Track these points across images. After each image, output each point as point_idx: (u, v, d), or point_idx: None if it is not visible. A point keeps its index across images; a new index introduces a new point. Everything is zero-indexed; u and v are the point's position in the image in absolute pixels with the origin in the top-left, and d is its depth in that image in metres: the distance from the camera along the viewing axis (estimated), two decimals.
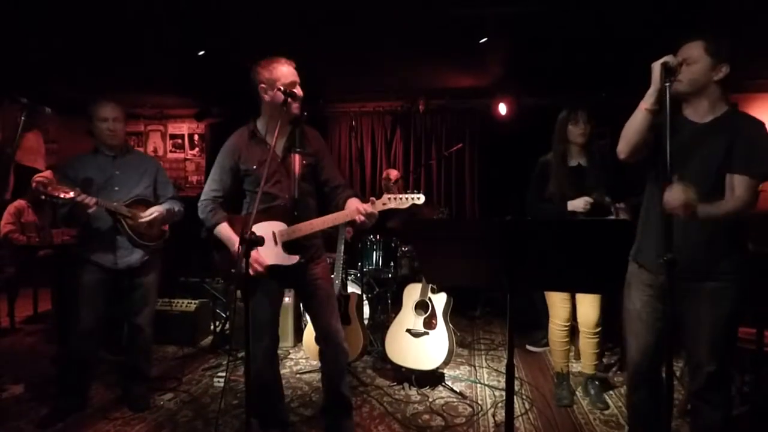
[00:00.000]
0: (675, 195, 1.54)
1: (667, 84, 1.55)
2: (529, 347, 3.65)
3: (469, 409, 2.68)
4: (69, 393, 2.58)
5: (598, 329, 2.70)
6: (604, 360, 3.23)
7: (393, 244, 3.91)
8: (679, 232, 1.55)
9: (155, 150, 6.38)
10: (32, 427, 2.45)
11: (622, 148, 1.75)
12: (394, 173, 4.64)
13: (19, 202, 4.23)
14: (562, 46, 3.81)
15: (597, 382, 2.80)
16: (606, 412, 2.65)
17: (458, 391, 2.92)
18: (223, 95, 5.21)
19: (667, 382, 1.52)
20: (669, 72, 1.55)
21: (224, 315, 3.89)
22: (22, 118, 2.05)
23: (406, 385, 2.99)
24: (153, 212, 2.51)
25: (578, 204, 2.52)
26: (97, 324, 2.53)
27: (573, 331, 2.83)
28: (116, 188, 2.51)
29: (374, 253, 3.82)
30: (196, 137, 6.31)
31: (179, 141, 6.35)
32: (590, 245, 1.32)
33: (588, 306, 2.68)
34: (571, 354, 3.00)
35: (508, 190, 4.32)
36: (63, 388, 2.59)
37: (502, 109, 4.93)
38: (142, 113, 6.26)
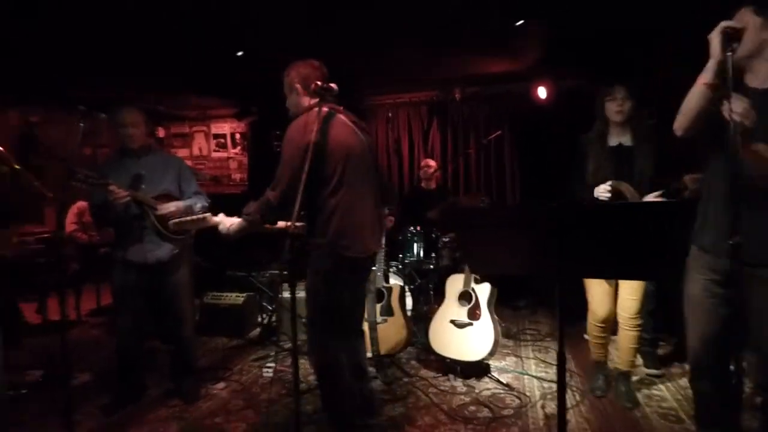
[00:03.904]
0: (738, 103, 1.43)
1: (729, 53, 1.43)
2: (587, 336, 3.51)
3: (517, 401, 2.62)
4: (126, 383, 2.71)
5: (639, 322, 2.50)
6: (660, 351, 3.08)
7: (434, 235, 3.86)
8: (746, 213, 1.43)
9: (200, 150, 6.59)
10: (99, 412, 2.60)
11: (681, 124, 1.64)
12: (432, 163, 4.58)
13: (81, 203, 4.46)
14: (600, 24, 3.62)
15: (630, 380, 2.63)
16: (664, 405, 2.52)
17: (505, 382, 2.86)
18: (262, 94, 5.32)
19: (734, 374, 1.42)
20: (731, 38, 1.43)
21: (270, 308, 3.98)
22: (81, 124, 2.13)
23: (451, 376, 2.96)
24: (170, 206, 2.56)
25: (599, 190, 2.37)
26: (137, 322, 2.63)
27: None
28: (143, 186, 2.57)
29: (415, 244, 3.78)
30: (237, 136, 6.46)
31: (222, 140, 6.52)
32: (647, 228, 1.25)
33: (629, 294, 2.48)
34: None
35: (550, 174, 4.18)
36: (121, 378, 2.72)
37: (541, 92, 4.75)
38: (186, 115, 6.47)
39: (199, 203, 2.69)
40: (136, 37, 3.69)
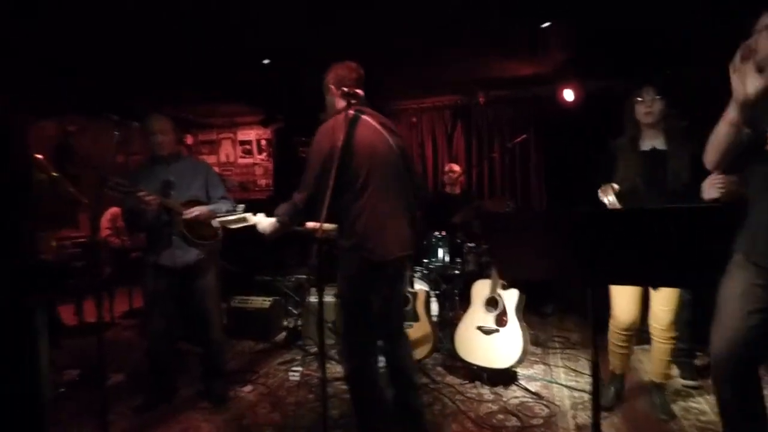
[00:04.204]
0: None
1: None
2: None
3: (546, 410, 2.57)
4: (158, 385, 2.77)
5: (672, 334, 2.39)
6: (697, 362, 2.97)
7: (459, 240, 3.84)
8: None
9: (227, 156, 6.73)
10: (131, 412, 2.67)
11: (712, 160, 1.59)
12: (456, 168, 4.56)
13: (115, 209, 4.61)
14: (628, 23, 3.54)
15: (664, 391, 2.53)
16: (703, 418, 2.43)
17: (533, 391, 2.81)
18: (287, 101, 5.41)
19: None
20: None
21: (295, 312, 4.01)
22: (116, 133, 2.21)
23: (477, 383, 2.92)
24: (194, 210, 2.60)
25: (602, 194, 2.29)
26: (167, 325, 2.68)
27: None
28: (172, 192, 2.63)
29: (440, 249, 3.76)
30: (263, 142, 6.57)
31: (248, 147, 6.65)
32: (684, 234, 1.21)
33: (662, 304, 2.37)
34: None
35: (576, 179, 4.10)
36: (153, 380, 2.78)
37: (567, 95, 4.68)
38: (214, 122, 6.63)
39: (224, 207, 2.73)
40: (166, 48, 3.82)
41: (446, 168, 4.61)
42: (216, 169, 5.43)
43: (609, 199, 2.27)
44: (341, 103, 2.06)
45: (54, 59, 3.90)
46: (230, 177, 6.61)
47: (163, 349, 2.73)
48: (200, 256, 2.67)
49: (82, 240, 5.02)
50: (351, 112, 1.98)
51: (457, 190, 4.49)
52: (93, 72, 4.31)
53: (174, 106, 5.60)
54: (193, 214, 2.60)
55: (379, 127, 2.09)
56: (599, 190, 2.32)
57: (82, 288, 4.23)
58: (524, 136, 4.46)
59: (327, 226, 1.78)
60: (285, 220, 2.06)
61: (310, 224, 2.29)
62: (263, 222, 2.14)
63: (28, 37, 3.46)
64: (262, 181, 6.64)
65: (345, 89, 1.99)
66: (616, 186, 2.30)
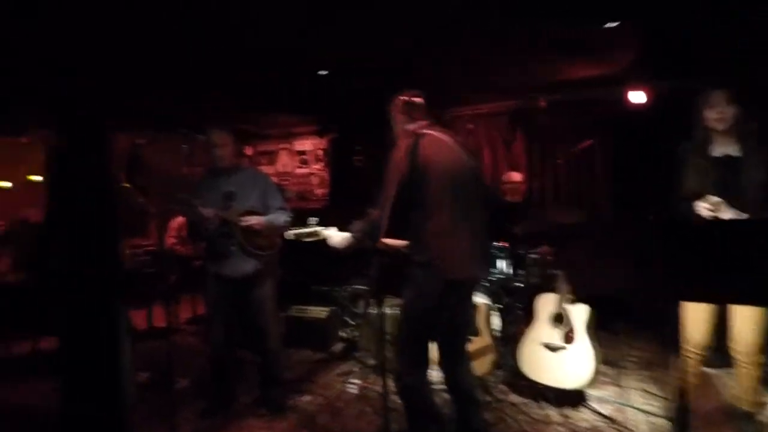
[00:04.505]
0: None
1: None
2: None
3: None
4: (219, 391, 2.84)
5: (761, 360, 2.15)
6: None
7: (521, 251, 3.69)
8: None
9: (284, 166, 6.91)
10: (196, 417, 2.75)
11: None
12: (516, 176, 4.41)
13: (180, 218, 4.85)
14: (699, 23, 3.29)
15: (755, 419, 2.26)
16: None
17: (605, 414, 2.62)
18: (342, 111, 5.48)
19: None
20: None
21: (352, 323, 4.01)
22: (183, 146, 2.31)
23: (543, 403, 2.77)
24: (251, 220, 2.67)
25: (701, 206, 2.08)
26: (227, 333, 2.75)
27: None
28: (233, 203, 2.71)
29: (501, 260, 3.63)
30: (319, 152, 6.69)
31: (304, 157, 6.79)
32: None
33: (745, 324, 2.13)
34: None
35: (647, 186, 3.84)
36: (214, 386, 2.85)
37: (635, 97, 4.40)
38: (272, 133, 6.84)
39: (282, 218, 2.79)
40: (230, 63, 3.97)
41: (505, 177, 4.47)
42: (274, 179, 5.60)
43: (715, 211, 2.07)
44: (408, 124, 2.11)
45: (124, 72, 4.15)
46: (288, 187, 6.78)
47: (223, 356, 2.80)
48: (258, 266, 2.72)
49: (151, 248, 5.31)
50: (424, 130, 2.03)
51: (518, 199, 4.33)
52: (162, 87, 4.56)
53: (236, 118, 5.83)
54: (250, 224, 2.67)
55: (452, 144, 2.10)
56: (699, 202, 2.12)
57: (153, 294, 4.48)
58: (589, 141, 4.24)
59: (394, 241, 1.80)
60: (360, 237, 2.10)
61: (386, 241, 2.32)
62: (335, 236, 2.21)
63: (106, 53, 3.71)
64: (319, 191, 6.75)
65: (414, 111, 2.07)
66: (717, 199, 2.10)
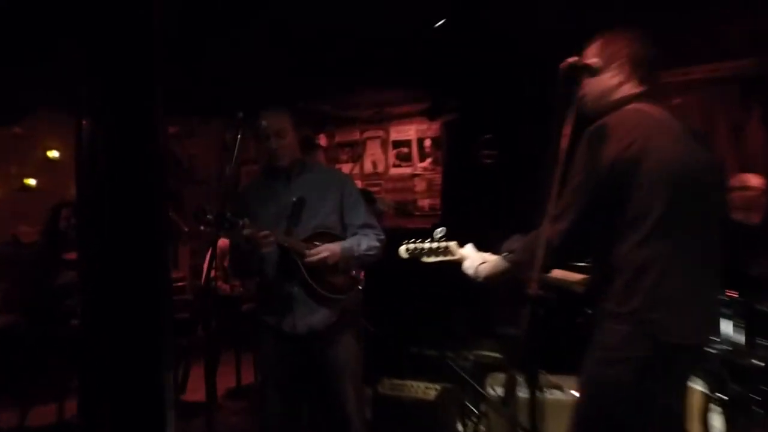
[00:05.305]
0: None
1: None
2: None
3: None
4: None
5: None
6: None
7: (762, 306, 3.50)
8: None
9: (374, 165, 7.09)
10: None
11: None
12: (755, 182, 4.21)
13: (223, 242, 5.11)
14: None
15: None
16: None
17: None
18: (464, 81, 5.57)
19: None
20: None
21: (477, 410, 4.04)
22: (239, 134, 2.54)
23: None
24: (321, 251, 2.70)
25: None
26: (285, 406, 2.86)
27: None
28: (293, 219, 2.80)
29: (727, 321, 3.46)
30: (427, 143, 6.80)
31: (405, 150, 6.93)
32: None
33: None
34: None
35: None
36: None
37: None
38: (356, 115, 7.08)
39: (365, 242, 2.85)
40: (284, 13, 4.23)
41: (735, 181, 4.28)
42: (358, 182, 5.72)
43: None
44: (627, 89, 2.09)
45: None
46: (379, 194, 6.90)
47: None
48: (332, 317, 2.81)
49: (182, 283, 5.73)
50: (639, 105, 2.03)
51: (756, 219, 4.13)
52: (196, 58, 4.90)
53: (304, 94, 6.10)
54: (320, 257, 2.71)
55: (678, 127, 2.06)
56: None
57: (185, 352, 4.76)
58: None
59: (566, 275, 1.76)
60: (519, 261, 2.06)
61: (559, 273, 2.31)
62: (476, 258, 2.17)
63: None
64: (424, 202, 6.83)
65: (640, 70, 2.07)
66: None
